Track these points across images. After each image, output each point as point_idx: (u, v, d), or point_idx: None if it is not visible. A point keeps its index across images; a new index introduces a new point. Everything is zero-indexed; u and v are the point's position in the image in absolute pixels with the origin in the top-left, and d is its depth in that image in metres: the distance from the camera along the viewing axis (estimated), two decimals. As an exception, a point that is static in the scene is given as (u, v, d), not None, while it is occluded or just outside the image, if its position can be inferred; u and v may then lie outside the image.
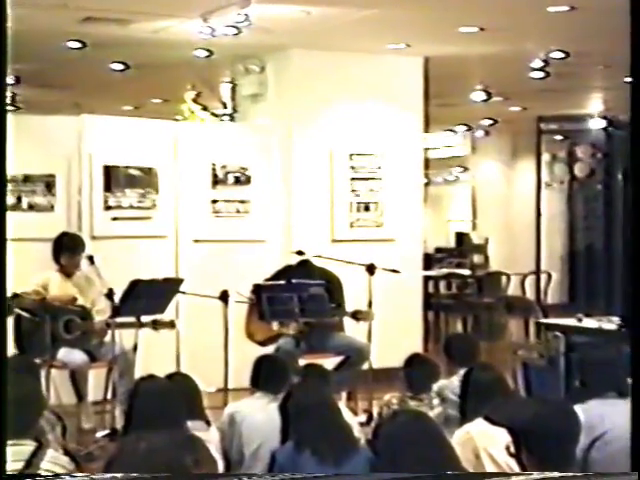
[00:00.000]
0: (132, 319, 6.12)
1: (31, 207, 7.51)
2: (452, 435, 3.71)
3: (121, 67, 9.33)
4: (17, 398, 3.22)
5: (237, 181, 8.33)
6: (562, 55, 8.64)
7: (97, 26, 7.72)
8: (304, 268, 7.05)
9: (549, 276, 12.72)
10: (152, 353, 6.55)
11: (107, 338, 6.32)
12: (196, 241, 8.12)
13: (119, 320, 6.09)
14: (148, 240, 7.87)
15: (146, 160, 7.94)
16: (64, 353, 6.36)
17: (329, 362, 6.63)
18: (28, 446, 3.19)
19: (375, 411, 5.94)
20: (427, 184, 11.60)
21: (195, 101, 9.34)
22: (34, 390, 3.70)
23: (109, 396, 6.43)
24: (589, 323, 6.64)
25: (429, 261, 12.10)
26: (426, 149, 10.04)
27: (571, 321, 6.80)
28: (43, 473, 3.10)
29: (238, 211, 8.33)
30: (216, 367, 6.24)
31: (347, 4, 7.22)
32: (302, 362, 6.18)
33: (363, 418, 6.23)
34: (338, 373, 6.53)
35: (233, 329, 6.47)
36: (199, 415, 4.48)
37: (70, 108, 10.21)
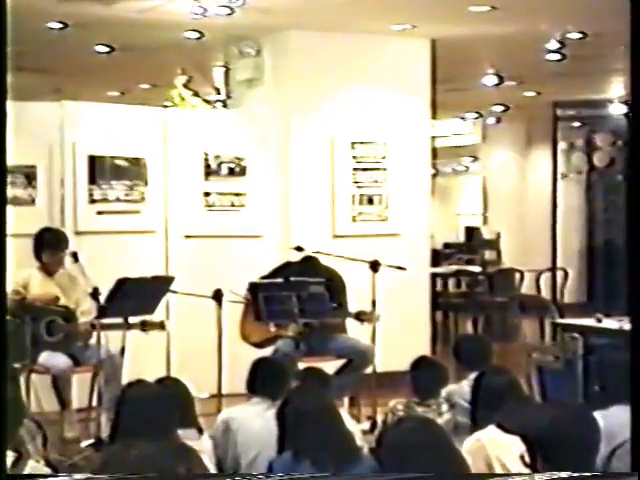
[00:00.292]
0: (119, 320, 6.11)
1: (10, 200, 7.51)
2: (462, 444, 3.71)
3: (106, 50, 9.32)
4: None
5: (231, 172, 8.33)
6: (580, 35, 8.63)
7: (79, 5, 7.71)
8: (303, 265, 7.06)
9: (566, 273, 12.72)
10: (140, 357, 6.55)
11: (92, 341, 6.32)
12: (187, 236, 8.12)
13: (105, 321, 6.08)
14: (136, 235, 7.86)
15: (133, 150, 7.93)
16: (46, 357, 6.36)
17: (330, 366, 6.63)
18: (7, 457, 3.19)
19: (379, 418, 5.94)
20: (435, 175, 11.62)
21: (186, 86, 9.32)
22: (13, 397, 3.69)
23: (94, 403, 6.42)
24: (609, 323, 6.64)
25: (437, 257, 12.10)
26: (434, 137, 10.03)
27: (589, 321, 6.80)
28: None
29: (232, 204, 8.33)
30: (209, 371, 6.24)
31: (349, -18, 7.22)
32: (301, 366, 6.18)
33: (366, 425, 6.25)
34: (340, 377, 6.54)
35: (227, 331, 6.48)
36: (191, 423, 4.48)
37: (51, 94, 10.20)
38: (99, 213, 7.75)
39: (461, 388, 5.18)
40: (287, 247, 7.83)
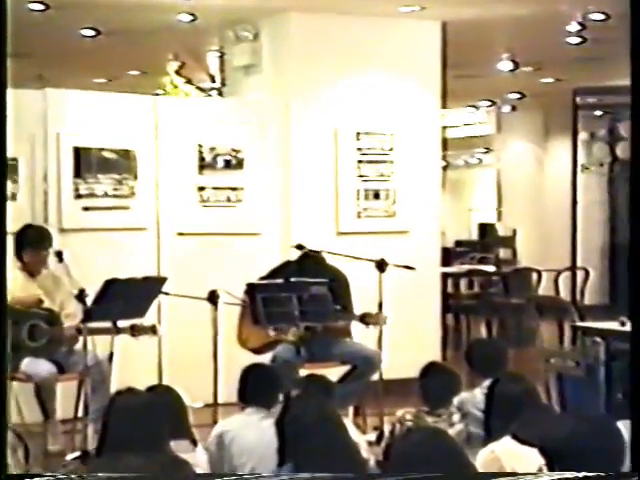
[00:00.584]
0: (107, 324, 6.12)
1: (-10, 196, 7.52)
2: (475, 456, 3.71)
3: (92, 33, 9.33)
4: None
5: (227, 165, 8.33)
6: (602, 16, 8.62)
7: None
8: (305, 264, 7.06)
9: (586, 273, 12.71)
10: (130, 363, 6.55)
11: (78, 346, 6.32)
12: (181, 234, 8.12)
13: (92, 325, 6.08)
14: (125, 233, 7.87)
15: (122, 141, 7.94)
16: (28, 364, 6.36)
17: (334, 372, 6.63)
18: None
19: (386, 429, 5.94)
20: (446, 168, 11.62)
21: (178, 73, 9.33)
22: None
23: (80, 413, 6.42)
24: (633, 327, 6.63)
25: (448, 256, 12.11)
26: (444, 127, 10.04)
27: (612, 325, 6.79)
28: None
29: (229, 200, 8.33)
30: (204, 379, 6.24)
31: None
32: (303, 373, 6.18)
33: (373, 436, 6.25)
34: (344, 385, 6.55)
35: (223, 335, 6.48)
36: (184, 434, 4.49)
37: (33, 81, 10.19)
38: (85, 209, 7.75)
39: (474, 396, 5.19)
40: (287, 245, 7.83)
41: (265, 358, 6.63)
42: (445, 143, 9.97)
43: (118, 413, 3.98)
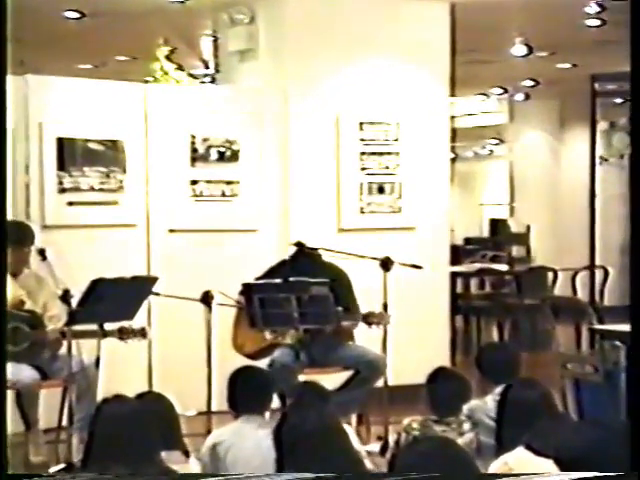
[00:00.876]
0: (93, 327, 6.12)
1: (-32, 190, 7.53)
2: (486, 467, 3.72)
3: (76, 15, 9.33)
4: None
5: (221, 157, 8.34)
6: (621, -2, 8.62)
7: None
8: (304, 263, 7.06)
9: (606, 272, 12.72)
10: (118, 369, 6.56)
11: (62, 350, 6.32)
12: (172, 231, 8.13)
13: (77, 328, 6.09)
14: (113, 230, 7.88)
15: (109, 131, 7.94)
16: (9, 369, 6.35)
17: (335, 378, 6.64)
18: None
19: (391, 438, 5.95)
20: (454, 160, 11.61)
21: (169, 59, 9.33)
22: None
23: (65, 422, 6.43)
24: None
25: (457, 254, 12.12)
26: (453, 117, 10.05)
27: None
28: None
29: (223, 194, 8.34)
30: (197, 385, 6.25)
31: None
32: (302, 378, 6.20)
33: (377, 446, 6.26)
34: (346, 392, 6.56)
35: (218, 339, 6.48)
36: (176, 444, 4.50)
37: (13, 66, 10.17)
38: (70, 204, 7.75)
39: (485, 404, 5.20)
40: (286, 243, 7.84)
41: (262, 363, 6.64)
42: (454, 133, 9.99)
43: (105, 422, 3.99)
